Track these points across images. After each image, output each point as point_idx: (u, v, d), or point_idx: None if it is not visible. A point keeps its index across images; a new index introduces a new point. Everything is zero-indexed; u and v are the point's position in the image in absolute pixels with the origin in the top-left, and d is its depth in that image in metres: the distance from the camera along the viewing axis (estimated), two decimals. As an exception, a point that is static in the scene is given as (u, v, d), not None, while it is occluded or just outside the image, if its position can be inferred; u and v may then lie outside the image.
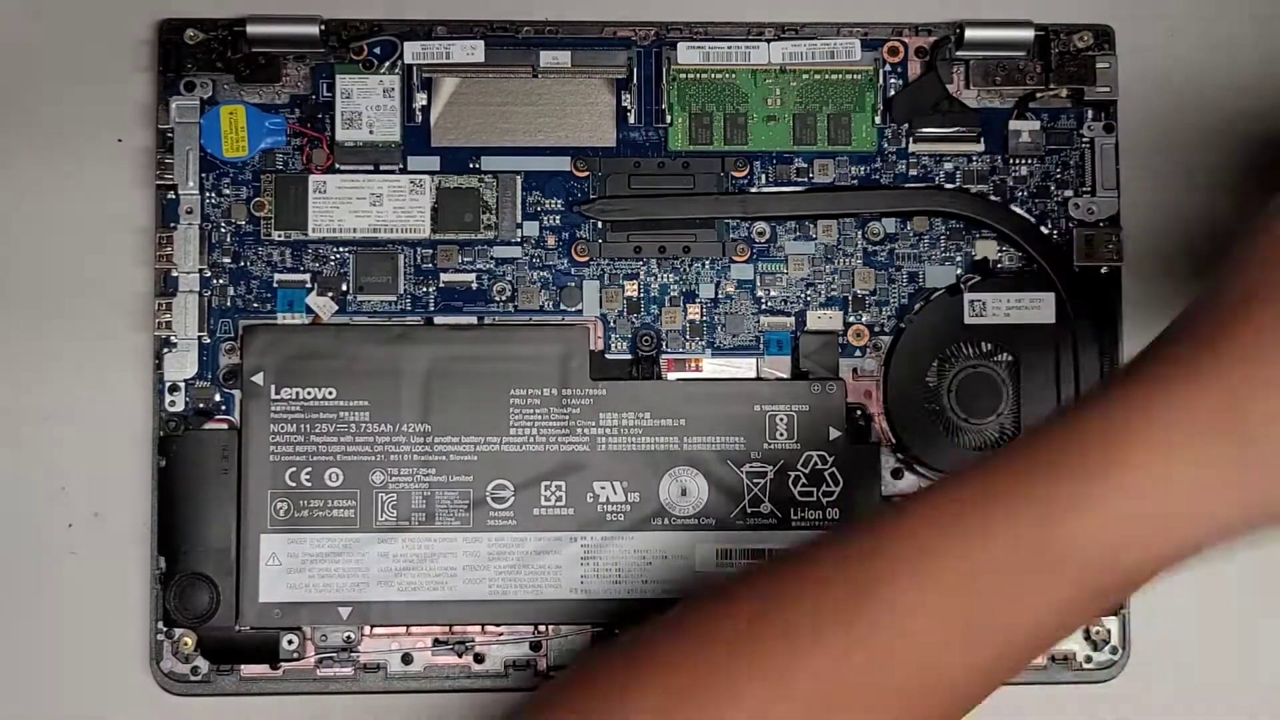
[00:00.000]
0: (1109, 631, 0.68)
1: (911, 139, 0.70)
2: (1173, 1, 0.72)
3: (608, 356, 0.69)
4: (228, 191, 0.69)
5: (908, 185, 0.70)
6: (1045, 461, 0.49)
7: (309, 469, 0.67)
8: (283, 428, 0.67)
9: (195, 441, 0.67)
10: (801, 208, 0.70)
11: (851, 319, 0.70)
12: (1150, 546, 0.48)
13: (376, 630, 0.67)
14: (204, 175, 0.69)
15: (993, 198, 0.70)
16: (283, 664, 0.67)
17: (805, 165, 0.70)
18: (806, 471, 0.68)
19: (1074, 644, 0.68)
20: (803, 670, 0.50)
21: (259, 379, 0.67)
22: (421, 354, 0.68)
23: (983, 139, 0.70)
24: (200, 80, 0.69)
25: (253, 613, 0.67)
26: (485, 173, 0.70)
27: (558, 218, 0.70)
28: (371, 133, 0.69)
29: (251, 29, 0.68)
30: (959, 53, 0.70)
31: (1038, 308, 0.69)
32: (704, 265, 0.70)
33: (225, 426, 0.68)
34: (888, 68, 0.70)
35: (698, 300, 0.70)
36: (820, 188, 0.70)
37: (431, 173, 0.69)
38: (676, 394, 0.68)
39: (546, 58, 0.70)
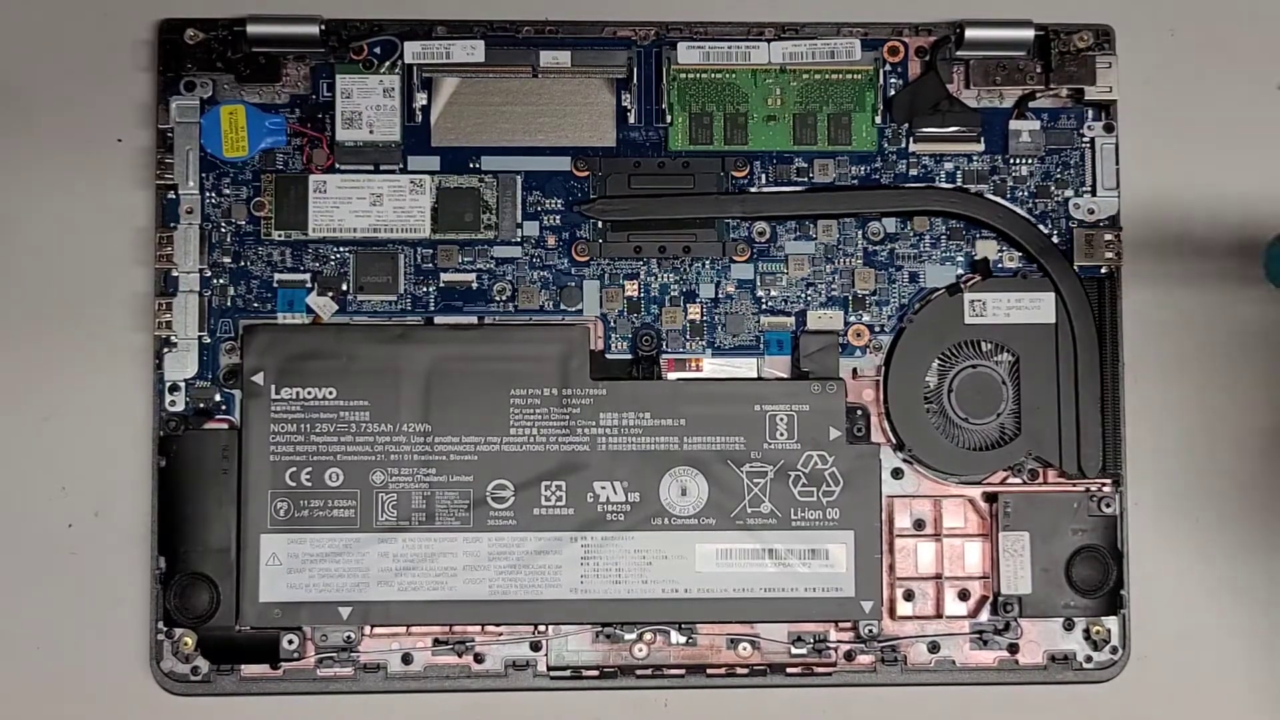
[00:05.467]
0: (1109, 631, 0.69)
1: (911, 139, 0.70)
2: (1173, 1, 0.72)
3: (608, 356, 0.69)
4: (228, 191, 0.69)
5: (908, 185, 0.70)
6: None
7: (309, 469, 0.67)
8: (283, 428, 0.67)
9: (195, 441, 0.67)
10: (801, 208, 0.70)
11: (851, 319, 0.70)
12: None
13: (376, 630, 0.67)
14: (204, 175, 0.69)
15: (992, 197, 0.70)
16: (283, 664, 0.67)
17: (805, 165, 0.70)
18: (806, 471, 0.68)
19: (1074, 644, 0.69)
20: None
21: (259, 379, 0.67)
22: (421, 354, 0.68)
23: (983, 139, 0.70)
24: (200, 80, 0.69)
25: (253, 613, 0.67)
26: (485, 173, 0.70)
27: (558, 218, 0.70)
28: (371, 133, 0.69)
29: (251, 29, 0.68)
30: (959, 53, 0.70)
31: (1038, 308, 0.69)
32: (704, 265, 0.70)
33: (225, 426, 0.68)
34: (888, 68, 0.70)
35: (698, 300, 0.70)
36: (820, 188, 0.70)
37: (431, 173, 0.69)
38: (676, 394, 0.68)
39: (546, 58, 0.70)
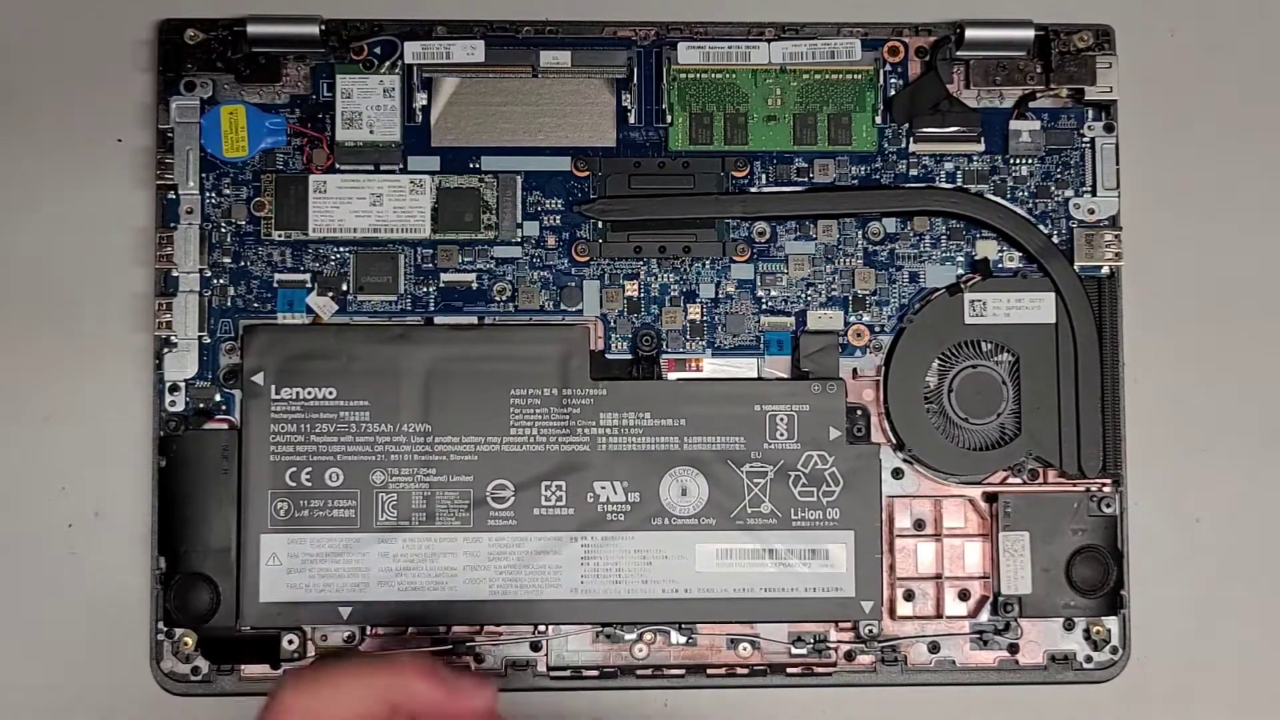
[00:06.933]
0: (1109, 631, 0.69)
1: (911, 139, 0.70)
2: (1173, 1, 0.72)
3: (608, 356, 0.69)
4: (228, 191, 0.69)
5: (908, 185, 0.70)
6: None
7: (309, 469, 0.67)
8: (283, 428, 0.67)
9: (195, 441, 0.67)
10: (801, 208, 0.70)
11: (851, 319, 0.70)
12: None
13: (377, 630, 0.67)
14: (204, 175, 0.69)
15: (992, 197, 0.70)
16: (283, 664, 0.67)
17: (805, 165, 0.70)
18: (806, 471, 0.68)
19: (1074, 644, 0.69)
20: None
21: (259, 379, 0.67)
22: (421, 354, 0.68)
23: (983, 139, 0.70)
24: (200, 80, 0.69)
25: (253, 613, 0.67)
26: (485, 173, 0.70)
27: (558, 218, 0.70)
28: (371, 133, 0.69)
29: (252, 29, 0.68)
30: (959, 53, 0.70)
31: (1038, 308, 0.69)
32: (704, 265, 0.70)
33: (225, 426, 0.68)
34: (888, 68, 0.70)
35: (698, 300, 0.70)
36: (820, 188, 0.70)
37: (431, 173, 0.69)
38: (676, 394, 0.68)
39: (546, 58, 0.70)
